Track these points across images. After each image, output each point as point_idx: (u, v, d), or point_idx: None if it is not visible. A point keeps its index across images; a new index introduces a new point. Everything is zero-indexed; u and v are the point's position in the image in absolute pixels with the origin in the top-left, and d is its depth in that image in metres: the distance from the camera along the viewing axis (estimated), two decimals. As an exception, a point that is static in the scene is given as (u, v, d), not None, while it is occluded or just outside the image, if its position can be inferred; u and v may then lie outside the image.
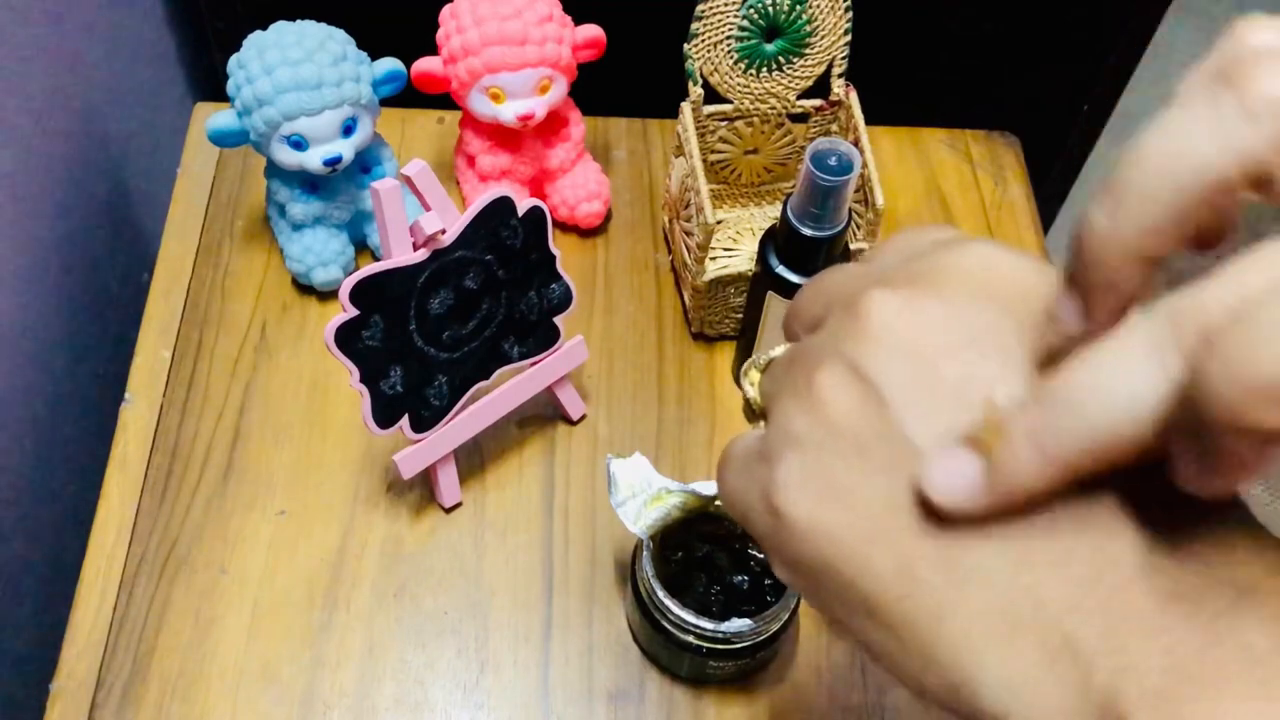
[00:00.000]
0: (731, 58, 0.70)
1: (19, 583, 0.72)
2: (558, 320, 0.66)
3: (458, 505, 0.68)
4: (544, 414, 0.72)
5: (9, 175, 0.70)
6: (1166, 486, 0.23)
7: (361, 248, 0.78)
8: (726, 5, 0.67)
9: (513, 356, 0.65)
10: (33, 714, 0.62)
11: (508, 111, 0.71)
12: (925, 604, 0.25)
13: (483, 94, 0.71)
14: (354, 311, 0.56)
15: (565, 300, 0.66)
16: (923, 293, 0.27)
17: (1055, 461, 0.23)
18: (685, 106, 0.71)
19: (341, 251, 0.74)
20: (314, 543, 0.66)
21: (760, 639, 0.58)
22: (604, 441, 0.71)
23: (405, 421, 0.61)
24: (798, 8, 0.68)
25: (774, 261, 0.63)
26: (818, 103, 0.74)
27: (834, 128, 0.75)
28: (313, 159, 0.68)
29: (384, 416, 0.60)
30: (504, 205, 0.59)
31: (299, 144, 0.68)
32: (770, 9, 0.68)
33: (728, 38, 0.69)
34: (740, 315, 0.72)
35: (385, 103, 0.72)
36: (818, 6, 0.68)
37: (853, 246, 0.67)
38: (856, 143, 0.71)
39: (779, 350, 0.34)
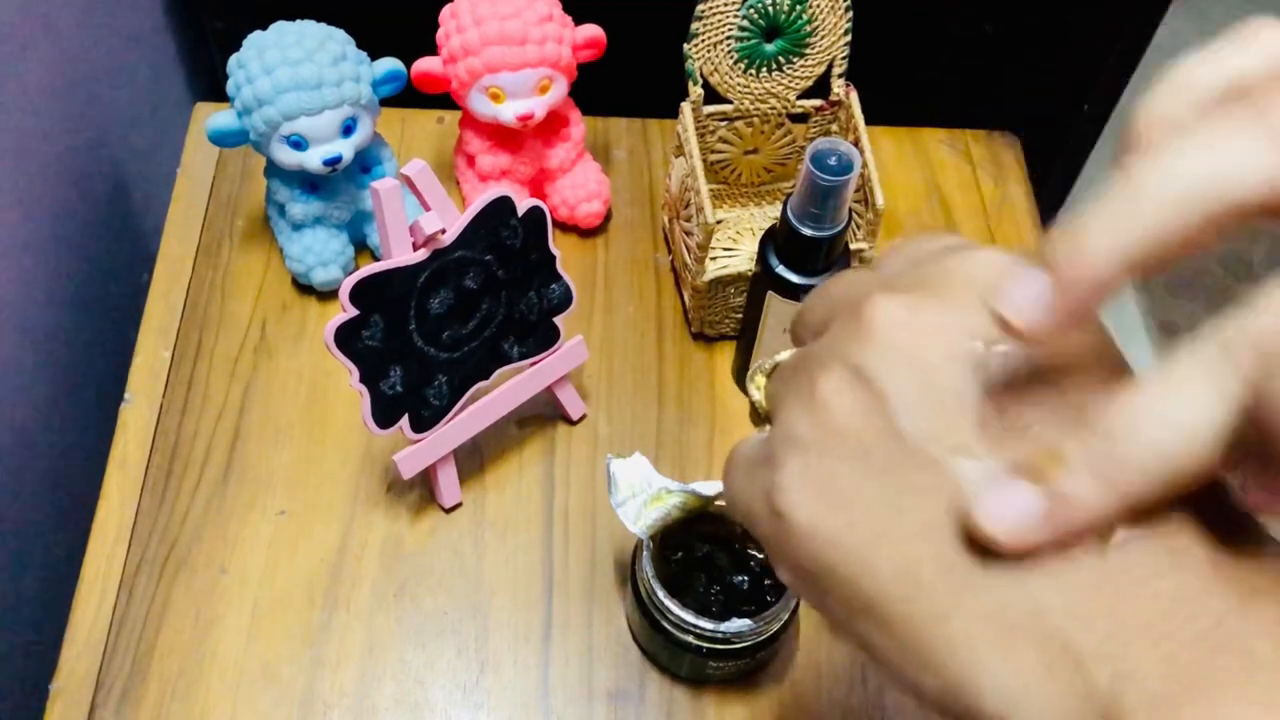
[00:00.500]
0: (731, 58, 0.70)
1: (19, 583, 0.72)
2: (558, 320, 0.66)
3: (458, 505, 0.68)
4: (544, 414, 0.72)
5: (8, 175, 0.70)
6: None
7: (361, 248, 0.78)
8: (726, 5, 0.67)
9: (513, 356, 0.65)
10: (33, 714, 0.62)
11: (508, 111, 0.71)
12: (926, 607, 0.25)
13: (483, 94, 0.71)
14: (354, 311, 0.56)
15: (565, 300, 0.66)
16: (926, 298, 0.27)
17: (1120, 492, 0.23)
18: (685, 106, 0.71)
19: (341, 251, 0.74)
20: (314, 543, 0.66)
21: (760, 639, 0.58)
22: (604, 441, 0.71)
23: (405, 421, 0.61)
24: (798, 8, 0.68)
25: (774, 261, 0.63)
26: (818, 103, 0.74)
27: (834, 128, 0.75)
28: (313, 159, 0.68)
29: (384, 416, 0.60)
30: (504, 205, 0.59)
31: (299, 144, 0.68)
32: (770, 9, 0.68)
33: (728, 38, 0.69)
34: (740, 315, 0.72)
35: (385, 103, 0.72)
36: (818, 6, 0.68)
37: (853, 246, 0.67)
38: (856, 143, 0.71)
39: (785, 355, 0.34)
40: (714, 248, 0.77)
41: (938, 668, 0.24)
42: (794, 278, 0.63)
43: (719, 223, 0.78)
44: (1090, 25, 0.96)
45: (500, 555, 0.67)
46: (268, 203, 0.76)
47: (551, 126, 0.77)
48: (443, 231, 0.57)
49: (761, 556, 0.60)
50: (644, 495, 0.58)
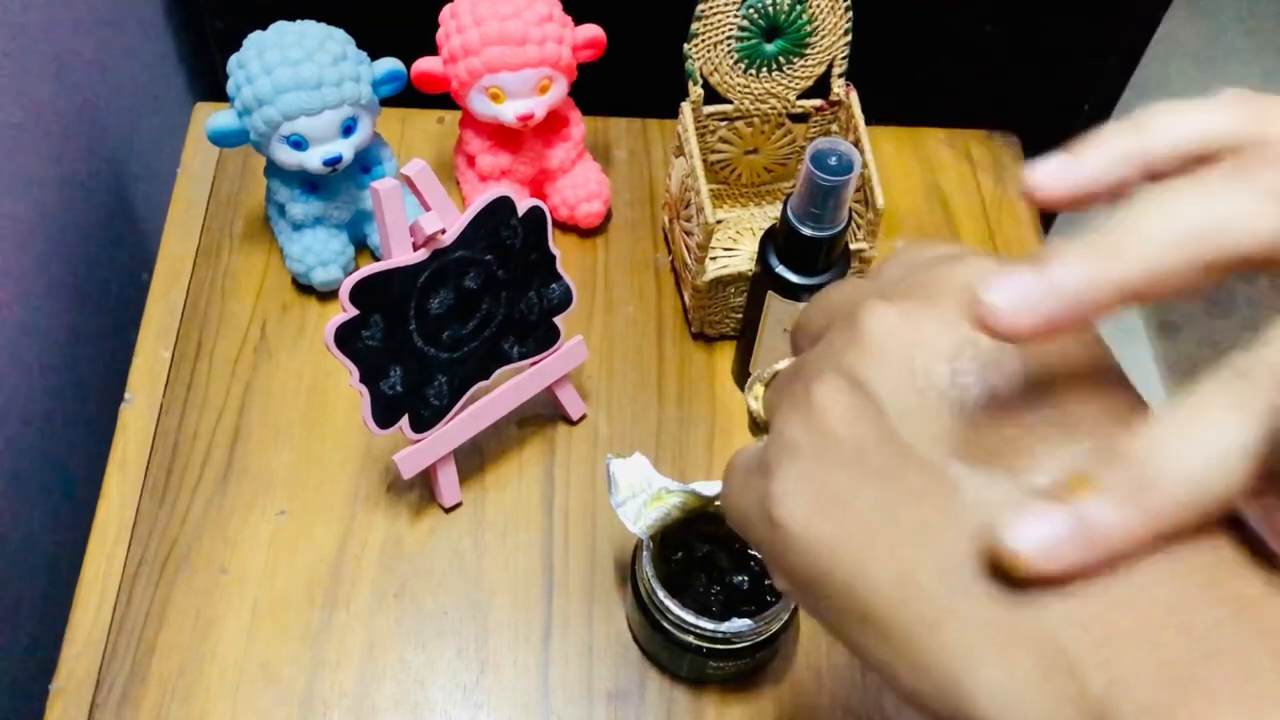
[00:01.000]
0: (731, 58, 0.70)
1: (19, 583, 0.72)
2: (558, 320, 0.66)
3: (458, 505, 0.68)
4: (544, 414, 0.72)
5: (8, 175, 0.70)
6: None
7: (361, 248, 0.78)
8: (726, 5, 0.67)
9: (513, 356, 0.65)
10: (33, 714, 0.62)
11: (508, 111, 0.71)
12: (921, 611, 0.25)
13: (483, 94, 0.71)
14: (354, 311, 0.56)
15: (565, 300, 0.66)
16: (920, 305, 0.27)
17: (1153, 518, 0.23)
18: (685, 106, 0.71)
19: (341, 251, 0.74)
20: (314, 543, 0.66)
21: (760, 639, 0.58)
22: (604, 441, 0.71)
23: (405, 421, 0.61)
24: (798, 8, 0.68)
25: (774, 261, 0.63)
26: (818, 103, 0.74)
27: (834, 128, 0.75)
28: (313, 159, 0.68)
29: (384, 416, 0.60)
30: (504, 205, 0.59)
31: (299, 144, 0.68)
32: (770, 9, 0.68)
33: (728, 38, 0.69)
34: (740, 315, 0.72)
35: (385, 103, 0.72)
36: (818, 6, 0.68)
37: (853, 246, 0.67)
38: (856, 143, 0.71)
39: (783, 364, 0.34)
40: (714, 248, 0.77)
41: (931, 672, 0.24)
42: (794, 278, 0.63)
43: (719, 223, 0.78)
44: (1090, 25, 0.96)
45: (500, 555, 0.67)
46: (268, 203, 0.76)
47: (551, 126, 0.77)
48: (443, 231, 0.57)
49: (762, 557, 0.60)
50: (644, 495, 0.58)
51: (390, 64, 0.71)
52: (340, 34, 0.69)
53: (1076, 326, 0.24)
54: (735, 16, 0.68)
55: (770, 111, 0.74)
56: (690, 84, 0.70)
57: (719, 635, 0.57)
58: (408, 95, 0.73)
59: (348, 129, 0.69)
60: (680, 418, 0.72)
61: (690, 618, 0.56)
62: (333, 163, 0.68)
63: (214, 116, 0.68)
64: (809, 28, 0.69)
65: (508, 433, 0.71)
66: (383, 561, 0.66)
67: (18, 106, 0.70)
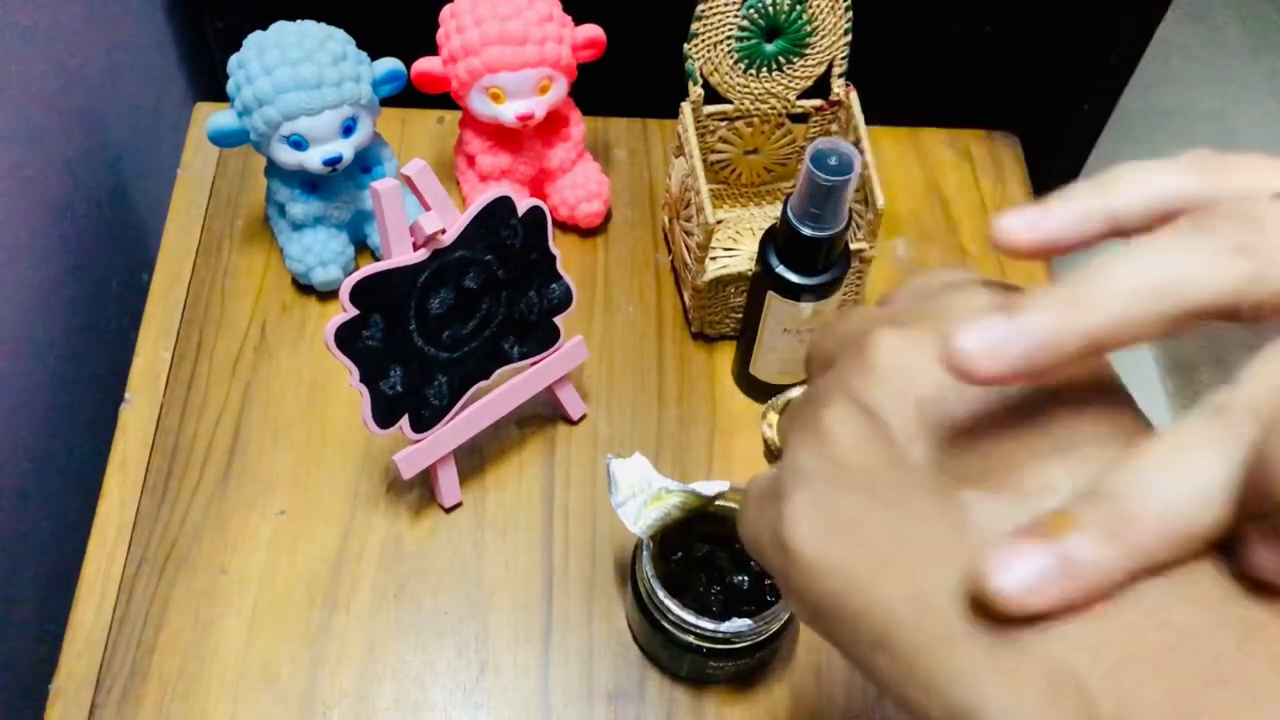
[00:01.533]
0: (731, 58, 0.70)
1: (19, 583, 0.72)
2: (558, 320, 0.66)
3: (458, 505, 0.68)
4: (544, 414, 0.72)
5: (8, 175, 0.70)
6: None
7: (361, 248, 0.78)
8: (726, 5, 0.67)
9: (513, 356, 0.65)
10: (33, 714, 0.62)
11: (508, 111, 0.71)
12: (933, 634, 0.25)
13: (483, 94, 0.71)
14: (354, 311, 0.56)
15: (565, 300, 0.66)
16: (927, 332, 0.28)
17: (1132, 554, 0.23)
18: (685, 106, 0.71)
19: (341, 251, 0.74)
20: (314, 543, 0.66)
21: (760, 639, 0.58)
22: (604, 441, 0.71)
23: (405, 421, 0.61)
24: (798, 8, 0.68)
25: (774, 261, 0.63)
26: (818, 103, 0.74)
27: (834, 128, 0.75)
28: (313, 159, 0.68)
29: (384, 416, 0.60)
30: (504, 205, 0.59)
31: (299, 144, 0.68)
32: (770, 9, 0.68)
33: (728, 38, 0.69)
34: (740, 315, 0.72)
35: (385, 103, 0.72)
36: (818, 6, 0.68)
37: (853, 246, 0.67)
38: (856, 143, 0.71)
39: (796, 392, 0.35)
40: (714, 248, 0.77)
41: (942, 694, 0.24)
42: (794, 278, 0.63)
43: (719, 223, 0.78)
44: (1090, 25, 0.96)
45: (500, 555, 0.67)
46: (268, 203, 0.76)
47: (551, 126, 0.77)
48: (443, 231, 0.57)
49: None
50: (644, 495, 0.58)
51: (390, 64, 0.71)
52: (340, 34, 0.69)
53: (1044, 375, 0.24)
54: (735, 16, 0.68)
55: (770, 111, 0.74)
56: (690, 84, 0.70)
57: (719, 635, 0.57)
58: (408, 95, 0.73)
59: (348, 129, 0.69)
60: (680, 418, 0.72)
61: (690, 618, 0.56)
62: (333, 163, 0.68)
63: (214, 116, 0.68)
64: (809, 28, 0.69)
65: (508, 433, 0.71)
66: (383, 561, 0.66)
67: (18, 106, 0.70)
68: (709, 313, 0.74)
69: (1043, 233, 0.27)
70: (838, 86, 0.72)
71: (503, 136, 0.75)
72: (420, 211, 0.57)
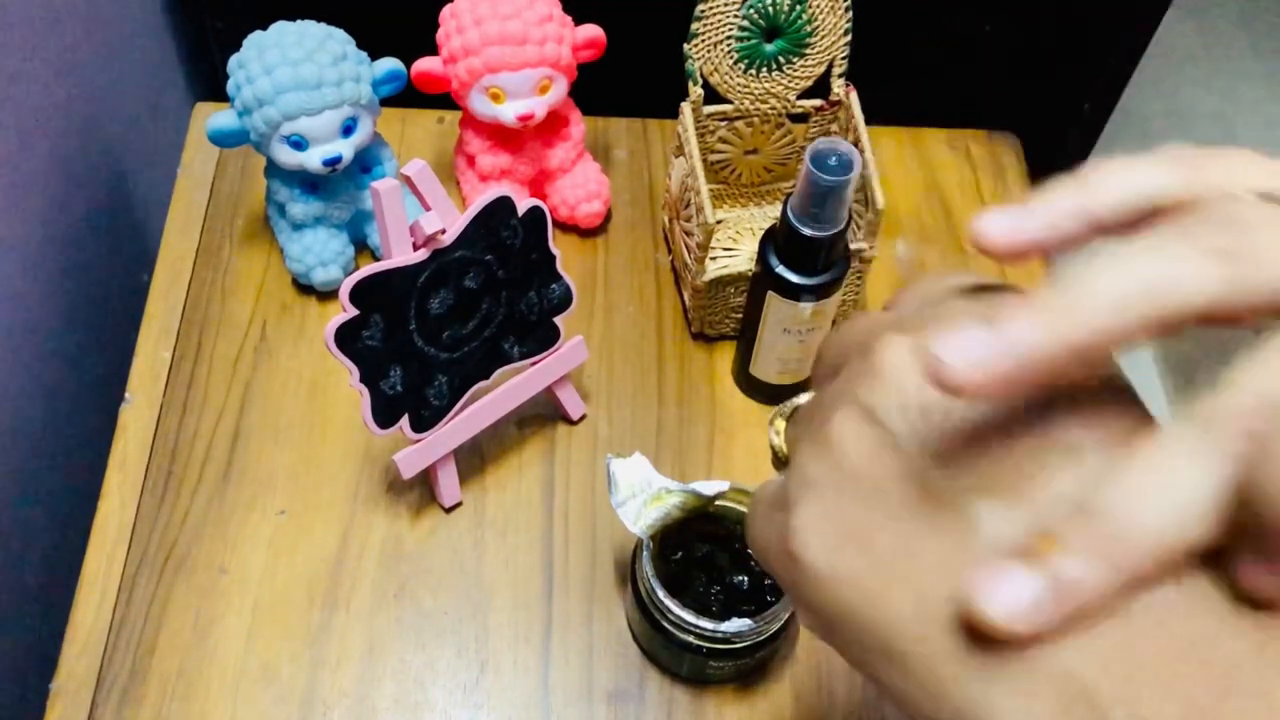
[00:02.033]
0: (731, 58, 0.70)
1: (19, 583, 0.72)
2: (558, 320, 0.66)
3: (458, 505, 0.68)
4: (544, 414, 0.72)
5: (8, 175, 0.70)
6: None
7: (361, 248, 0.78)
8: (726, 5, 0.67)
9: (513, 356, 0.65)
10: (33, 714, 0.62)
11: (508, 111, 0.71)
12: (941, 646, 0.25)
13: (483, 94, 0.71)
14: (354, 311, 0.56)
15: (565, 300, 0.66)
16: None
17: (1119, 571, 0.23)
18: (685, 106, 0.71)
19: (341, 251, 0.74)
20: (314, 543, 0.66)
21: (760, 639, 0.58)
22: (604, 441, 0.71)
23: (405, 421, 0.61)
24: (798, 8, 0.68)
25: (774, 261, 0.63)
26: (818, 103, 0.74)
27: (834, 128, 0.75)
28: (313, 159, 0.68)
29: (384, 416, 0.60)
30: (504, 205, 0.59)
31: (299, 144, 0.68)
32: (770, 9, 0.68)
33: (728, 38, 0.69)
34: (740, 315, 0.72)
35: (385, 103, 0.72)
36: (818, 6, 0.68)
37: (853, 246, 0.67)
38: (856, 143, 0.71)
39: (804, 398, 0.35)
40: (714, 248, 0.77)
41: (952, 706, 0.24)
42: (794, 278, 0.63)
43: (719, 223, 0.78)
44: (1090, 25, 0.96)
45: (500, 555, 0.67)
46: (268, 203, 0.76)
47: (551, 126, 0.77)
48: (443, 231, 0.57)
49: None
50: (644, 495, 0.58)
51: (390, 64, 0.71)
52: (340, 34, 0.69)
53: (1027, 386, 0.24)
54: (735, 16, 0.68)
55: (770, 111, 0.74)
56: (690, 84, 0.70)
57: (719, 635, 0.57)
58: (408, 95, 0.73)
59: (348, 129, 0.69)
60: (680, 418, 0.72)
61: (690, 618, 0.56)
62: (333, 163, 0.68)
63: (214, 116, 0.68)
64: (809, 28, 0.69)
65: (508, 433, 0.71)
66: (383, 561, 0.66)
67: (18, 106, 0.70)
68: (709, 313, 0.74)
69: (1021, 234, 0.27)
70: (838, 86, 0.72)
71: (503, 136, 0.75)
72: (420, 211, 0.57)
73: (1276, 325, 0.24)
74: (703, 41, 0.68)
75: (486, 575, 0.66)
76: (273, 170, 0.72)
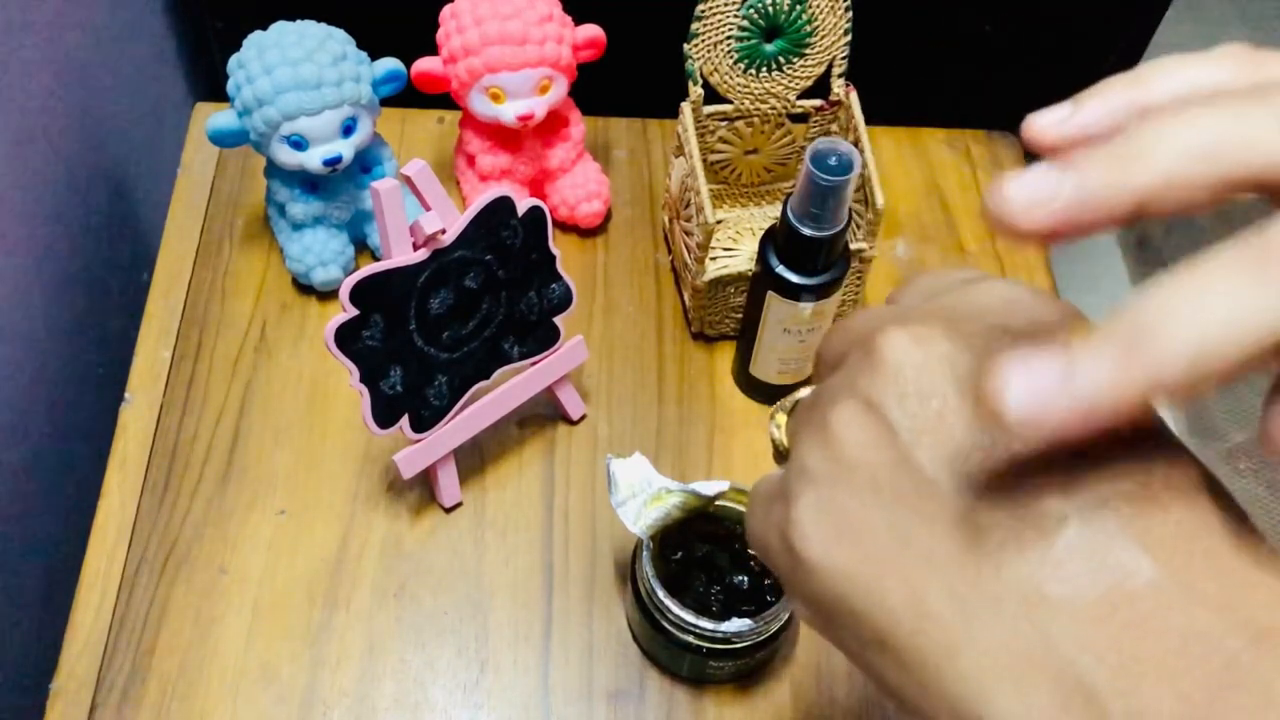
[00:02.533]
0: (731, 58, 0.70)
1: (19, 583, 0.72)
2: (558, 320, 0.66)
3: (458, 505, 0.68)
4: (544, 414, 0.72)
5: (8, 175, 0.70)
6: (1183, 522, 0.23)
7: (361, 248, 0.78)
8: (726, 5, 0.67)
9: (513, 356, 0.65)
10: (33, 714, 0.62)
11: (508, 111, 0.71)
12: (937, 639, 0.25)
13: (483, 94, 0.71)
14: (354, 311, 0.56)
15: (565, 300, 0.66)
16: (936, 329, 0.27)
17: (1145, 376, 0.21)
18: (685, 106, 0.71)
19: (341, 251, 0.74)
20: (314, 543, 0.66)
21: (760, 639, 0.58)
22: (604, 441, 0.71)
23: (405, 421, 0.61)
24: (798, 8, 0.68)
25: (774, 261, 0.63)
26: (818, 103, 0.74)
27: (834, 128, 0.75)
28: (313, 159, 0.68)
29: (384, 416, 0.60)
30: (504, 205, 0.59)
31: (299, 144, 0.68)
32: (770, 9, 0.68)
33: (728, 38, 0.69)
34: (740, 315, 0.72)
35: (385, 103, 0.72)
36: (818, 6, 0.68)
37: (853, 246, 0.67)
38: (856, 143, 0.71)
39: (805, 392, 0.35)
40: (714, 248, 0.77)
41: (948, 700, 0.24)
42: (794, 278, 0.63)
43: (719, 223, 0.78)
44: (1090, 25, 0.96)
45: (500, 555, 0.67)
46: (268, 203, 0.76)
47: (551, 126, 0.77)
48: (443, 231, 0.57)
49: (761, 556, 0.60)
50: (644, 495, 0.58)
51: (390, 64, 0.71)
52: (340, 34, 0.69)
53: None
54: (735, 16, 0.68)
55: (770, 111, 0.74)
56: (690, 84, 0.70)
57: (719, 635, 0.57)
58: (408, 95, 0.73)
59: (348, 129, 0.69)
60: (680, 418, 0.72)
61: (690, 618, 0.56)
62: (333, 163, 0.68)
63: (214, 116, 0.68)
64: (809, 28, 0.69)
65: (508, 433, 0.71)
66: (383, 561, 0.66)
67: (18, 106, 0.70)
68: (709, 313, 0.74)
69: (1073, 126, 0.26)
70: (838, 86, 0.72)
71: (503, 136, 0.75)
72: (420, 211, 0.57)
73: None
74: (703, 41, 0.68)
75: (486, 575, 0.66)
76: (273, 170, 0.72)
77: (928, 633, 0.25)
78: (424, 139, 0.85)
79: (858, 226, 0.71)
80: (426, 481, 0.68)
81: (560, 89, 0.72)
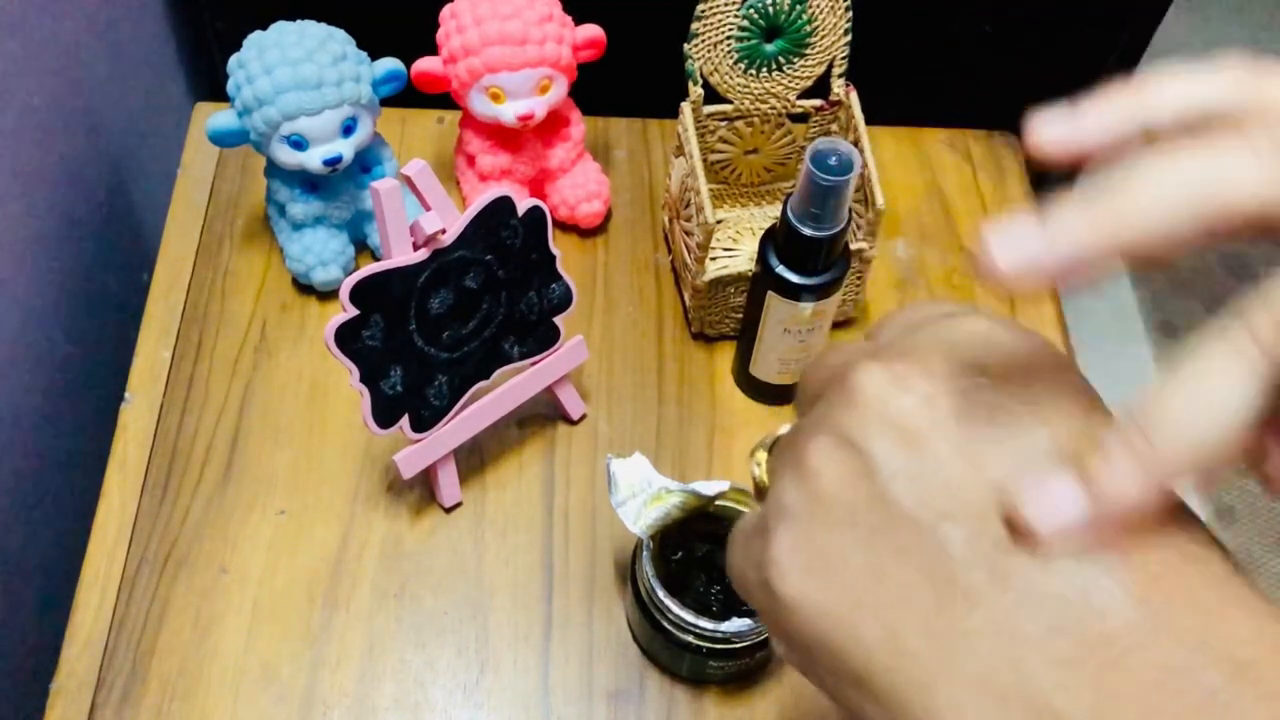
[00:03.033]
0: (731, 58, 0.70)
1: (19, 583, 0.72)
2: (558, 320, 0.66)
3: (458, 505, 0.68)
4: (544, 414, 0.72)
5: (8, 175, 0.70)
6: (1162, 561, 0.23)
7: (361, 248, 0.78)
8: (726, 5, 0.67)
9: (513, 356, 0.65)
10: (33, 714, 0.62)
11: (508, 111, 0.71)
12: (913, 675, 0.24)
13: (483, 94, 0.71)
14: (354, 311, 0.56)
15: (565, 300, 0.66)
16: (910, 365, 0.27)
17: (1161, 473, 0.23)
18: (685, 106, 0.71)
19: (341, 251, 0.74)
20: (314, 543, 0.66)
21: (760, 639, 0.58)
22: (604, 441, 0.71)
23: (405, 421, 0.61)
24: (798, 8, 0.68)
25: (774, 261, 0.63)
26: (818, 103, 0.74)
27: (834, 128, 0.75)
28: (313, 159, 0.68)
29: (384, 416, 0.60)
30: (504, 205, 0.59)
31: (299, 144, 0.68)
32: (770, 9, 0.68)
33: (728, 38, 0.69)
34: (740, 315, 0.72)
35: (385, 103, 0.72)
36: (818, 6, 0.68)
37: (853, 246, 0.67)
38: (856, 143, 0.71)
39: (784, 429, 0.35)
40: (714, 248, 0.77)
41: None
42: (794, 278, 0.63)
43: (719, 223, 0.78)
44: (1090, 25, 0.96)
45: (500, 555, 0.67)
46: (268, 203, 0.76)
47: (551, 126, 0.77)
48: (443, 231, 0.57)
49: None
50: (644, 495, 0.58)
51: (390, 64, 0.71)
52: (340, 34, 0.69)
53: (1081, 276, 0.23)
54: (735, 16, 0.68)
55: (770, 111, 0.74)
56: (690, 84, 0.70)
57: (719, 635, 0.57)
58: (408, 95, 0.73)
59: (348, 129, 0.69)
60: (680, 418, 0.72)
61: (690, 618, 0.56)
62: (333, 163, 0.68)
63: (214, 116, 0.68)
64: (809, 28, 0.69)
65: (508, 433, 0.71)
66: (383, 561, 0.66)
67: (18, 106, 0.70)
68: (709, 313, 0.74)
69: (1074, 135, 0.26)
70: (838, 86, 0.72)
71: (503, 136, 0.75)
72: (420, 211, 0.57)
73: None
74: (703, 41, 0.68)
75: (486, 575, 0.66)
76: (273, 170, 0.72)
77: (904, 669, 0.25)
78: (424, 139, 0.85)
79: (858, 226, 0.71)
80: (426, 481, 0.68)
81: (560, 89, 0.72)
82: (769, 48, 0.70)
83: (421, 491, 0.68)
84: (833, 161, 0.57)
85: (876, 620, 0.25)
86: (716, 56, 0.70)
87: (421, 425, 0.62)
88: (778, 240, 0.63)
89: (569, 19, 0.72)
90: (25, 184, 0.72)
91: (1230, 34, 1.89)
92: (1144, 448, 0.23)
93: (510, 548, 0.67)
